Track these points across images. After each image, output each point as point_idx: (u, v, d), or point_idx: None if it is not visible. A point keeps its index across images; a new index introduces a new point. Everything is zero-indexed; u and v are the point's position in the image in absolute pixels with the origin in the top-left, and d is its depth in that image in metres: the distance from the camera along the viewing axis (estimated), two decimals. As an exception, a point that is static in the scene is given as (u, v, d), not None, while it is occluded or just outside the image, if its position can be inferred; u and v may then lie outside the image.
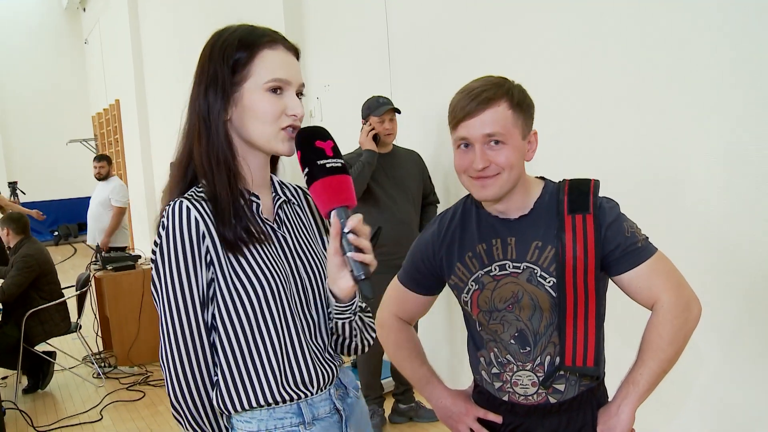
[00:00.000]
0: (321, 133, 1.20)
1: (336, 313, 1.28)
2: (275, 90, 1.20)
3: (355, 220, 1.13)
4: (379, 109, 3.34)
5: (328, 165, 1.15)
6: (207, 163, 1.21)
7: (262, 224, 1.25)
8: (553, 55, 2.89)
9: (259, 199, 1.26)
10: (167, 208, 1.19)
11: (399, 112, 3.40)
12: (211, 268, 1.19)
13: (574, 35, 2.78)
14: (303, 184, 1.25)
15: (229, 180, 1.21)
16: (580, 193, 1.40)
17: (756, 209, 2.18)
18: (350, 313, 1.28)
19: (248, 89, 1.20)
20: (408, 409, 3.60)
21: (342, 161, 1.17)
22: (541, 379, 1.42)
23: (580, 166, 2.71)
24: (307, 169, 1.16)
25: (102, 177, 6.37)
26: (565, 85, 2.84)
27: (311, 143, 1.18)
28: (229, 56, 1.19)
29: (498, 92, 1.33)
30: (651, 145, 2.50)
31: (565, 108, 2.84)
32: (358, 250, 1.13)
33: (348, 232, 1.12)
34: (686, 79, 2.34)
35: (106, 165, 6.41)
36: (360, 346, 1.37)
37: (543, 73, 2.93)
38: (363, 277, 1.12)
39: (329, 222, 1.17)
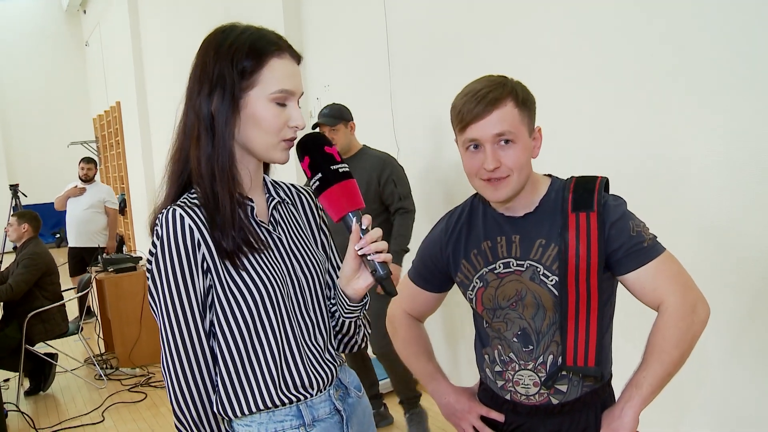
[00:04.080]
0: (326, 140, 1.22)
1: (346, 313, 1.31)
2: (280, 101, 1.19)
3: (368, 220, 1.18)
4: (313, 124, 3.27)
5: (341, 170, 1.18)
6: (207, 169, 1.18)
7: (257, 228, 1.23)
8: (553, 54, 2.89)
9: (253, 202, 1.24)
10: (160, 216, 1.17)
11: (330, 124, 3.28)
12: (209, 275, 1.18)
13: (574, 35, 2.78)
14: (293, 182, 1.26)
15: (229, 187, 1.18)
16: (584, 191, 1.39)
17: (758, 209, 2.17)
18: (359, 312, 1.32)
19: (254, 97, 1.18)
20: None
21: (347, 166, 1.20)
22: (543, 378, 1.41)
23: (578, 166, 2.69)
24: (320, 174, 1.18)
25: (89, 179, 6.50)
26: (565, 85, 2.84)
27: (320, 149, 1.20)
28: (238, 60, 1.16)
29: (503, 92, 1.33)
30: (651, 146, 2.50)
31: (564, 107, 2.84)
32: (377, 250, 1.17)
33: (366, 231, 1.17)
34: (687, 80, 2.34)
35: (93, 167, 6.56)
36: (360, 342, 1.41)
37: (543, 72, 2.92)
38: (387, 275, 1.17)
39: (346, 225, 1.19)
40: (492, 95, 1.32)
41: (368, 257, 1.17)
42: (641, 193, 2.49)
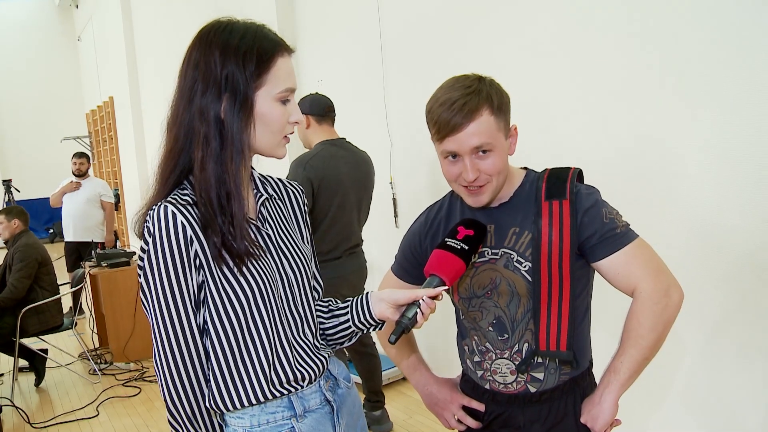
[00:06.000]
0: (471, 222, 1.39)
1: (360, 324, 1.37)
2: (284, 99, 1.21)
3: (438, 292, 1.27)
4: None
5: (448, 242, 1.35)
6: (214, 173, 1.16)
7: (253, 231, 1.24)
8: (544, 48, 2.91)
9: (244, 200, 1.23)
10: (151, 213, 1.16)
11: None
12: (201, 271, 1.17)
13: (565, 28, 2.79)
14: (280, 175, 1.27)
15: (239, 193, 1.18)
16: (558, 180, 1.41)
17: (744, 201, 2.20)
18: (373, 330, 1.39)
19: (261, 97, 1.18)
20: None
21: (465, 247, 1.34)
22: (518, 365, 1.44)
23: (569, 160, 2.72)
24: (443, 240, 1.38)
25: (81, 173, 6.53)
26: (556, 79, 2.85)
27: (456, 227, 1.39)
28: (247, 63, 1.16)
29: (479, 101, 1.32)
30: (642, 139, 2.52)
31: (555, 102, 2.86)
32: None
33: (431, 298, 1.27)
34: (678, 73, 2.36)
35: (86, 162, 6.58)
36: (346, 344, 1.44)
37: (534, 67, 2.94)
38: (407, 330, 1.26)
39: (430, 281, 1.32)
40: (468, 106, 1.31)
41: (415, 309, 1.26)
42: (631, 187, 2.52)
